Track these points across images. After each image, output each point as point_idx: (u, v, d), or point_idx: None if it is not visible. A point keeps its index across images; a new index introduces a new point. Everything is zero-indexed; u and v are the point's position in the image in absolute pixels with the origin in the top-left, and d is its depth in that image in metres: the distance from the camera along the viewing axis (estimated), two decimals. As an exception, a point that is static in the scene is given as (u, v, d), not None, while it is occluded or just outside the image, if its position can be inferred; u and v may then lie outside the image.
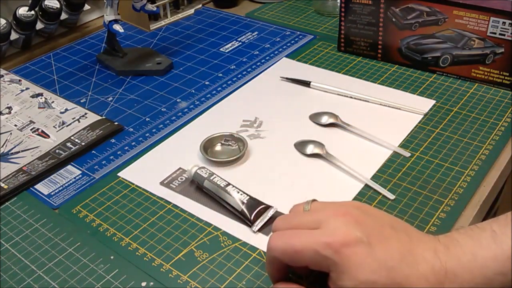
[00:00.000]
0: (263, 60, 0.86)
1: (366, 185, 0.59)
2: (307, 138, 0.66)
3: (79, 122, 0.72)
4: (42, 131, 0.71)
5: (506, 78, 0.73)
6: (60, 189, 0.62)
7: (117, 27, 0.81)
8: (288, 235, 0.44)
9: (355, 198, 0.57)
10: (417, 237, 0.43)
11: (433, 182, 0.59)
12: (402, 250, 0.42)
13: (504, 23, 0.69)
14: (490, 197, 0.60)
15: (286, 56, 0.86)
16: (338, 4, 0.91)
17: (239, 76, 0.82)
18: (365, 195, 0.58)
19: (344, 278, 0.41)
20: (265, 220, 0.54)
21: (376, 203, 0.57)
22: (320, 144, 0.64)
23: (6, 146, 0.68)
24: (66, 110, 0.74)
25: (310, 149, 0.64)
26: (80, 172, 0.65)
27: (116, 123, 0.72)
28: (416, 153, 0.63)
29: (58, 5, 0.90)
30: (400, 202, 0.57)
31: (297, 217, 0.46)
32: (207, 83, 0.81)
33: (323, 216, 0.44)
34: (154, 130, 0.71)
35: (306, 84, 0.77)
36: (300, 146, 0.65)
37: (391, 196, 0.57)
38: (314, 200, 0.48)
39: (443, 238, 0.43)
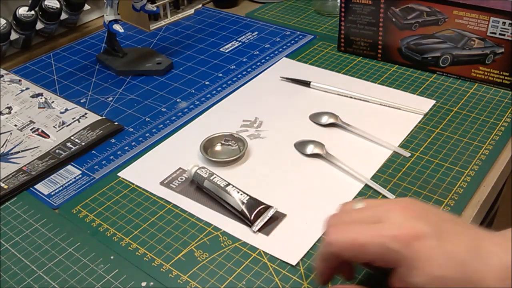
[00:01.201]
0: (263, 60, 0.86)
1: (366, 185, 0.59)
2: (307, 138, 0.66)
3: (79, 122, 0.72)
4: (42, 131, 0.71)
5: (506, 78, 0.73)
6: (60, 189, 0.62)
7: (117, 27, 0.81)
8: (350, 229, 0.42)
9: (355, 198, 0.57)
10: (481, 232, 0.42)
11: (433, 182, 0.59)
12: (469, 244, 0.40)
13: (504, 23, 0.69)
14: (490, 197, 0.60)
15: (286, 56, 0.86)
16: (338, 4, 0.91)
17: (239, 76, 0.82)
18: (365, 195, 0.58)
19: (414, 273, 0.40)
20: (265, 220, 0.54)
21: (376, 203, 0.57)
22: (320, 144, 0.64)
23: (6, 146, 0.68)
24: (66, 110, 0.74)
25: (310, 149, 0.64)
26: (80, 172, 0.65)
27: (116, 123, 0.72)
28: (416, 153, 0.63)
29: (58, 5, 0.90)
30: (400, 202, 0.57)
31: (354, 213, 0.44)
32: (207, 83, 0.81)
33: (382, 210, 0.42)
34: (154, 130, 0.71)
35: (306, 84, 0.77)
36: (300, 146, 0.65)
37: (391, 196, 0.57)
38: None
39: (506, 233, 0.41)
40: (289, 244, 0.53)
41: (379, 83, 0.77)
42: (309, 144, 0.65)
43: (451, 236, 0.41)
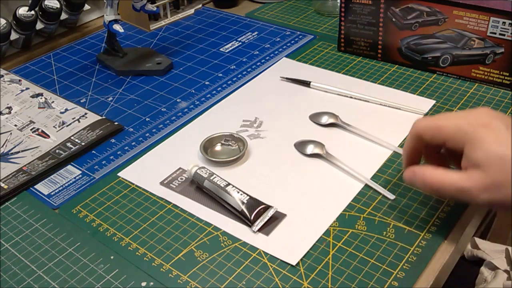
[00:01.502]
0: (263, 60, 0.86)
1: (366, 185, 0.59)
2: (307, 138, 0.66)
3: (79, 122, 0.72)
4: (42, 131, 0.71)
5: (506, 78, 0.73)
6: (60, 189, 0.62)
7: (117, 27, 0.81)
8: (434, 117, 0.50)
9: (355, 198, 0.58)
10: None
11: (433, 182, 0.59)
12: None
13: (504, 23, 0.69)
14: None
15: (286, 56, 0.86)
16: (338, 4, 0.91)
17: (239, 76, 0.82)
18: (365, 195, 0.58)
19: (477, 149, 0.46)
20: (265, 220, 0.54)
21: (376, 203, 0.57)
22: (320, 144, 0.64)
23: (6, 146, 0.68)
24: (66, 110, 0.74)
25: (310, 149, 0.64)
26: (80, 172, 0.65)
27: (116, 123, 0.72)
28: (416, 153, 0.63)
29: (58, 5, 0.90)
30: (400, 202, 0.57)
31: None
32: (207, 83, 0.81)
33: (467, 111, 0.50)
34: (154, 130, 0.71)
35: (306, 84, 0.77)
36: (300, 146, 0.65)
37: (391, 196, 0.57)
38: None
39: None
40: (289, 244, 0.53)
41: (379, 83, 0.77)
42: (309, 144, 0.65)
43: None
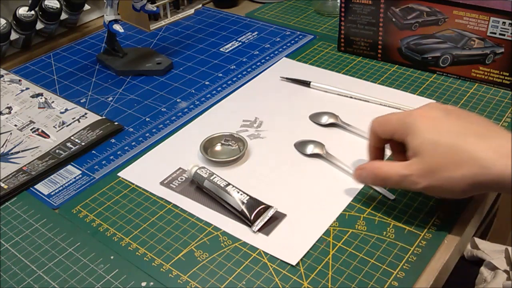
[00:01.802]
0: (263, 60, 0.86)
1: (366, 185, 0.59)
2: (307, 138, 0.66)
3: (79, 122, 0.72)
4: (42, 131, 0.71)
5: (506, 78, 0.73)
6: (60, 189, 0.62)
7: (117, 27, 0.81)
8: (389, 113, 0.54)
9: (355, 198, 0.58)
10: (503, 129, 0.49)
11: (433, 182, 0.59)
12: (479, 129, 0.48)
13: (504, 23, 0.69)
14: (490, 197, 0.60)
15: (286, 56, 0.86)
16: (338, 4, 0.91)
17: (239, 76, 0.82)
18: (365, 195, 0.58)
19: (414, 137, 0.49)
20: (265, 220, 0.54)
21: (376, 203, 0.57)
22: (320, 144, 0.64)
23: (6, 146, 0.68)
24: (66, 110, 0.74)
25: (310, 149, 0.64)
26: (80, 172, 0.65)
27: (116, 123, 0.72)
28: (416, 153, 0.63)
29: (58, 5, 0.90)
30: (400, 202, 0.57)
31: None
32: (207, 83, 0.81)
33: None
34: (154, 130, 0.71)
35: (306, 84, 0.77)
36: (300, 146, 0.65)
37: (391, 196, 0.57)
38: None
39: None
40: (289, 244, 0.53)
41: (379, 83, 0.77)
42: (309, 144, 0.65)
43: (462, 119, 0.49)
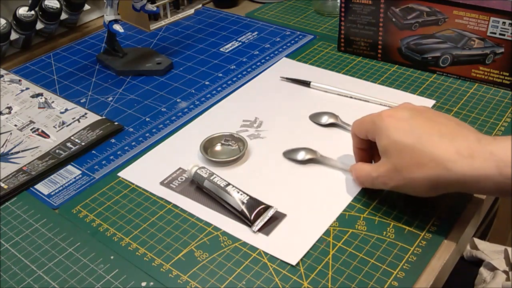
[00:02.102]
0: (263, 60, 0.86)
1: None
2: (296, 146, 0.64)
3: (79, 122, 0.72)
4: (42, 131, 0.71)
5: (506, 78, 0.73)
6: (60, 189, 0.62)
7: (117, 27, 0.81)
8: (364, 116, 0.55)
9: (355, 198, 0.57)
10: (470, 129, 0.49)
11: (433, 182, 0.59)
12: (444, 130, 0.48)
13: (504, 23, 0.69)
14: (490, 198, 0.60)
15: (286, 56, 0.86)
16: (338, 4, 0.91)
17: (239, 76, 0.82)
18: (365, 195, 0.58)
19: (382, 138, 0.50)
20: (265, 220, 0.54)
21: (376, 203, 0.57)
22: (312, 151, 0.63)
23: (6, 146, 0.68)
24: (66, 110, 0.74)
25: (302, 155, 0.63)
26: (80, 172, 0.65)
27: (116, 123, 0.72)
28: (416, 153, 0.63)
29: (58, 5, 0.90)
30: (400, 202, 0.57)
31: None
32: (207, 83, 0.81)
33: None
34: (154, 130, 0.71)
35: (306, 84, 0.77)
36: (290, 153, 0.63)
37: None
38: None
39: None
40: (289, 244, 0.53)
41: (379, 83, 0.77)
42: (300, 151, 0.63)
43: (428, 121, 0.49)
